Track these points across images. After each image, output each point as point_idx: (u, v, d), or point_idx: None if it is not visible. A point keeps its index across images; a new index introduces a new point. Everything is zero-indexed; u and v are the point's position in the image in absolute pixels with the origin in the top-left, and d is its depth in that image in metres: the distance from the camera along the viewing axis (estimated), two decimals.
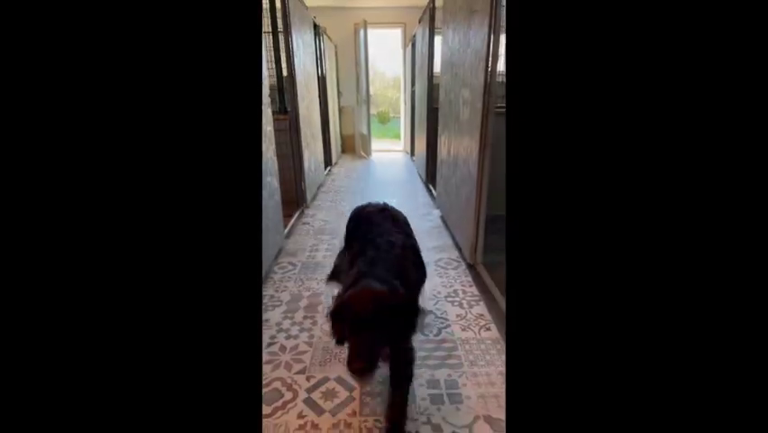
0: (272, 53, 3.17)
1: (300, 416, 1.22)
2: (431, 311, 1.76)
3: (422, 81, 4.17)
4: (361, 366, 0.87)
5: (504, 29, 1.73)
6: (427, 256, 2.37)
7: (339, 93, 6.15)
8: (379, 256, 1.11)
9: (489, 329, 1.65)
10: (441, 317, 1.74)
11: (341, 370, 1.41)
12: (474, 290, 1.97)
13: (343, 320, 0.95)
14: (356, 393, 1.31)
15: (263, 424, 1.19)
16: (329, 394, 1.31)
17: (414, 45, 4.73)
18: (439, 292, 1.95)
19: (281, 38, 3.00)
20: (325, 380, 1.37)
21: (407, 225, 1.44)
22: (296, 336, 1.62)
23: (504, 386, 1.31)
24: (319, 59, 4.40)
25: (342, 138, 6.54)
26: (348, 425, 1.19)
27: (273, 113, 2.45)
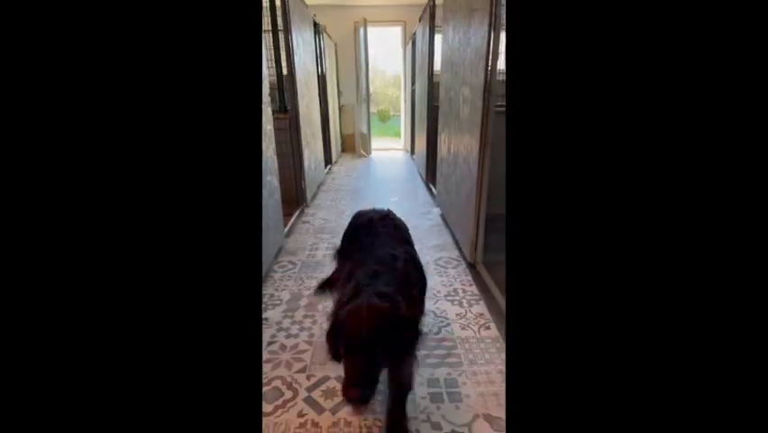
0: (272, 52, 3.16)
1: (300, 414, 1.22)
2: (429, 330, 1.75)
3: (422, 79, 4.17)
4: (357, 395, 0.80)
5: (504, 27, 1.73)
6: (427, 255, 2.37)
7: (339, 91, 6.14)
8: (382, 269, 1.03)
9: (488, 328, 1.65)
10: (441, 316, 1.74)
11: (341, 369, 1.41)
12: (474, 288, 1.97)
13: (341, 337, 0.87)
14: None
15: (264, 422, 1.19)
16: (329, 393, 1.31)
17: (414, 43, 4.72)
18: (439, 291, 1.95)
19: (281, 36, 3.00)
20: (326, 378, 1.37)
21: (408, 233, 1.39)
22: (296, 335, 1.62)
23: (503, 385, 1.32)
24: (319, 58, 4.39)
25: (342, 137, 6.54)
26: (348, 423, 1.19)
27: (273, 111, 2.45)
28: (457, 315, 1.75)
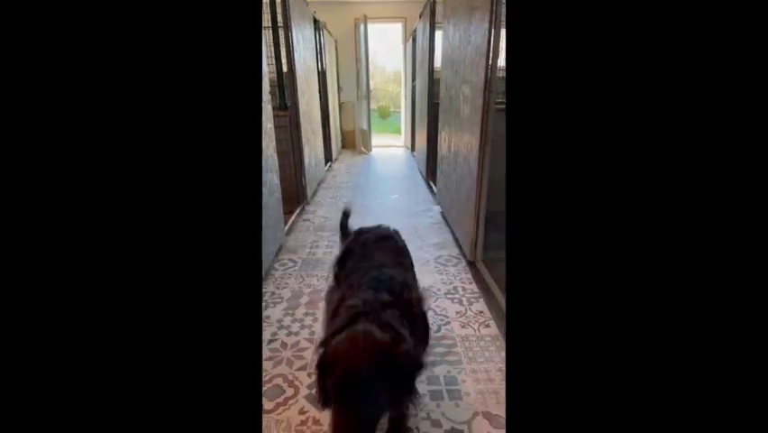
0: (272, 49, 3.15)
1: (302, 412, 1.23)
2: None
3: (422, 76, 4.16)
4: None
5: (504, 25, 1.72)
6: (427, 253, 2.38)
7: (339, 88, 6.13)
8: (384, 297, 0.89)
9: (488, 326, 1.65)
10: (441, 314, 1.74)
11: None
12: (474, 286, 1.98)
13: (331, 374, 0.70)
14: None
15: (265, 420, 1.20)
16: None
17: (414, 40, 4.71)
18: (439, 289, 1.96)
19: (281, 33, 2.99)
20: None
21: (410, 259, 1.29)
22: (297, 333, 1.63)
23: (503, 382, 1.32)
24: (319, 55, 4.38)
25: (343, 134, 6.53)
26: None
27: (273, 109, 2.45)
28: (457, 313, 1.75)
